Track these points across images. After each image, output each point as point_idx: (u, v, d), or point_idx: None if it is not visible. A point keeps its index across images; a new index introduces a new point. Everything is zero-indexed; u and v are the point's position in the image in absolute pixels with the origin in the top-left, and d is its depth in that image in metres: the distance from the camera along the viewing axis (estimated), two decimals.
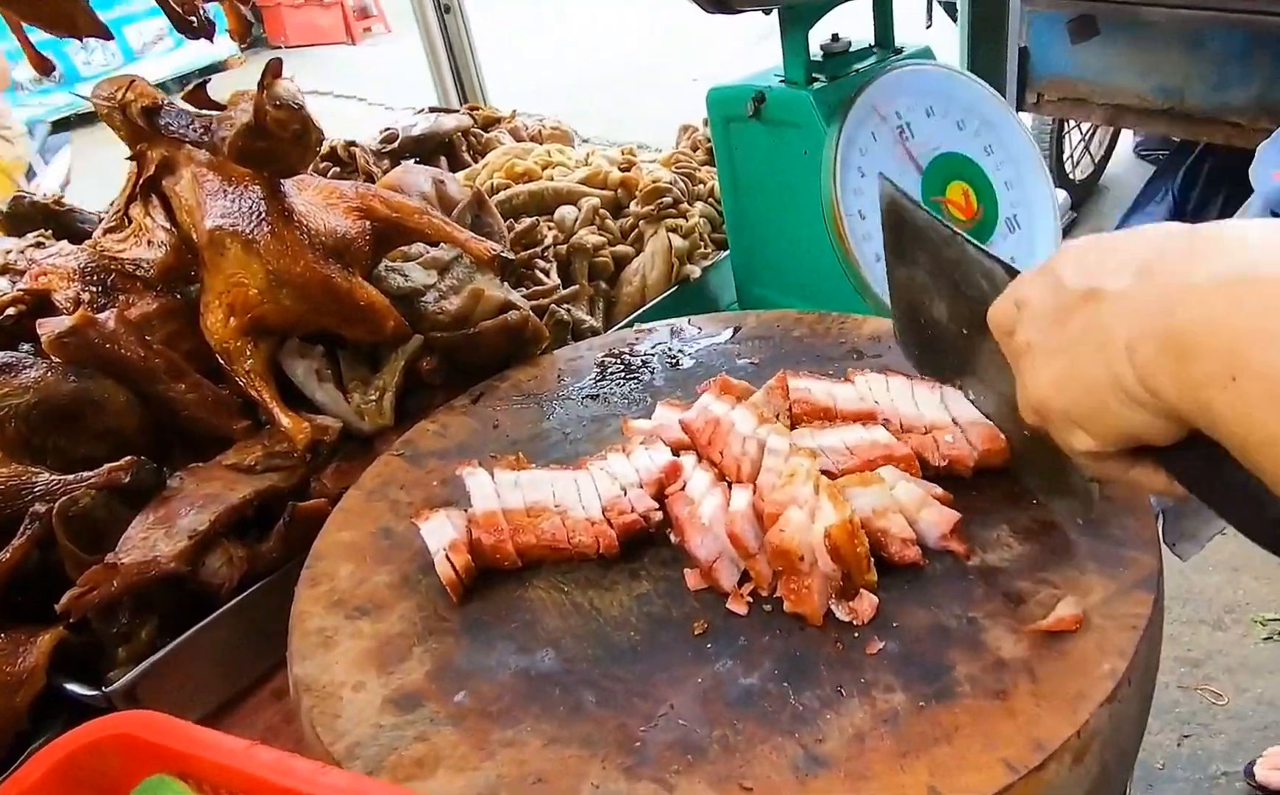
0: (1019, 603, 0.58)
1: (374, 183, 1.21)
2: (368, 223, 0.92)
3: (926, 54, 1.08)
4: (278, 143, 0.79)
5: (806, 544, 0.57)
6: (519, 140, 1.62)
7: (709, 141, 1.51)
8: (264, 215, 0.85)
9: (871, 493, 0.61)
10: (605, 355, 0.93)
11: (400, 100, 1.88)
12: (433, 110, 1.58)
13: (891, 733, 0.52)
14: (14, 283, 0.99)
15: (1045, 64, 2.57)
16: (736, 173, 1.14)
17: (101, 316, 0.86)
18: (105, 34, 0.97)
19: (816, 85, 1.01)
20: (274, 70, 0.75)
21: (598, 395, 0.87)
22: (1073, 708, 0.52)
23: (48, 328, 0.84)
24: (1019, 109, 2.37)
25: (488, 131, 1.60)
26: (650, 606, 0.62)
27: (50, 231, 1.12)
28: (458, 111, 1.60)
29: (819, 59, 1.05)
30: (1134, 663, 0.54)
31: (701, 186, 1.35)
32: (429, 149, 1.48)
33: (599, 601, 0.63)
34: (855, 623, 0.57)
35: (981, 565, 0.61)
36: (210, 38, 1.00)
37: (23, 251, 1.04)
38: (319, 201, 0.90)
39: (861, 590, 0.58)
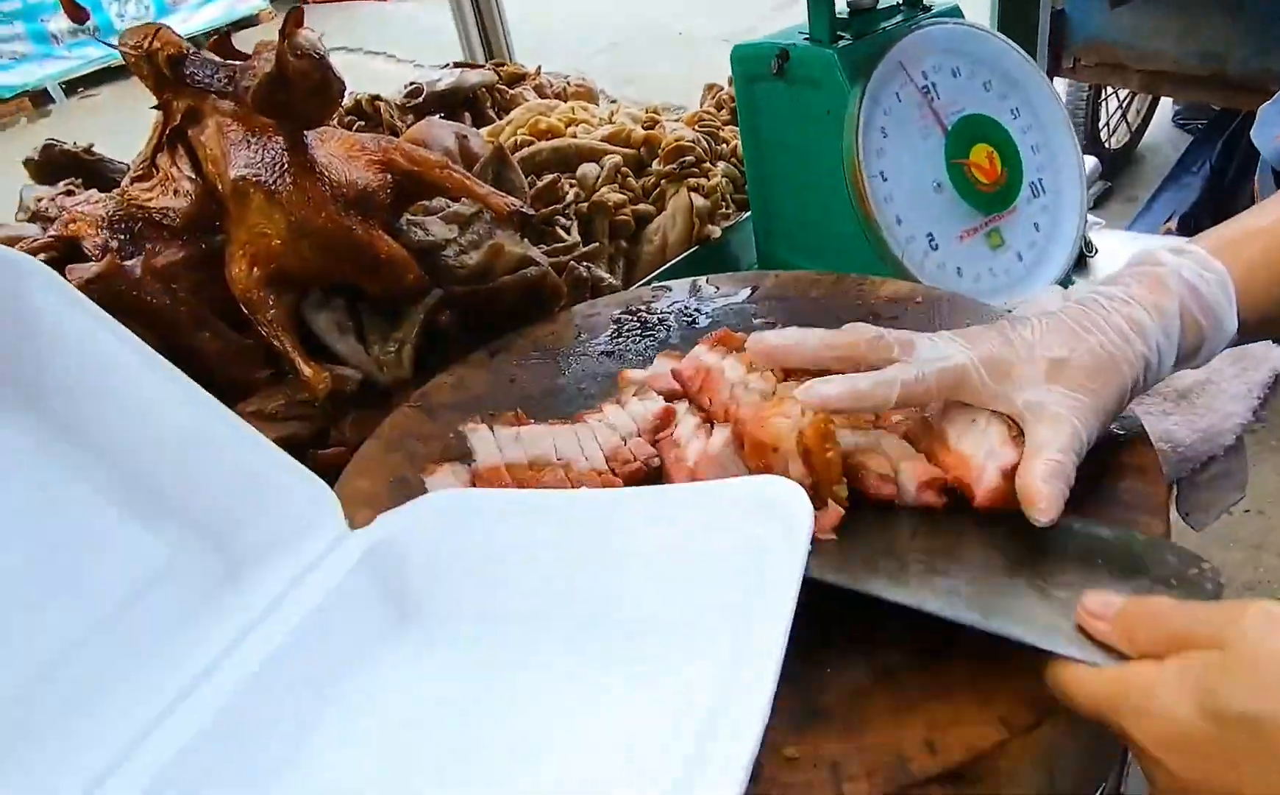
0: None
1: (398, 137, 1.21)
2: (389, 176, 0.92)
3: (955, 12, 1.06)
4: (299, 93, 0.80)
5: (780, 434, 0.57)
6: (543, 97, 1.61)
7: (733, 100, 1.50)
8: (286, 166, 0.86)
9: (857, 434, 0.62)
10: (622, 313, 0.94)
11: (428, 57, 1.88)
12: (458, 66, 1.58)
13: (891, 690, 0.53)
14: (45, 229, 1.01)
15: (1082, 27, 2.51)
16: (759, 132, 1.13)
17: (128, 264, 0.88)
18: None
19: (841, 43, 1.00)
20: (295, 19, 0.76)
21: (613, 352, 0.88)
22: None
23: (76, 274, 0.85)
24: (1054, 74, 2.32)
25: (512, 88, 1.60)
26: None
27: (80, 180, 1.14)
28: (483, 67, 1.60)
29: (845, 16, 1.04)
30: None
31: (724, 146, 1.34)
32: (454, 104, 1.48)
33: None
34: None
35: None
36: None
37: (54, 199, 1.05)
38: (341, 154, 0.91)
39: (829, 502, 0.58)
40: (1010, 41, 1.07)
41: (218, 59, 0.89)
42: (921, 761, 0.49)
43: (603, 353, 0.88)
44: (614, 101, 1.61)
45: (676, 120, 1.44)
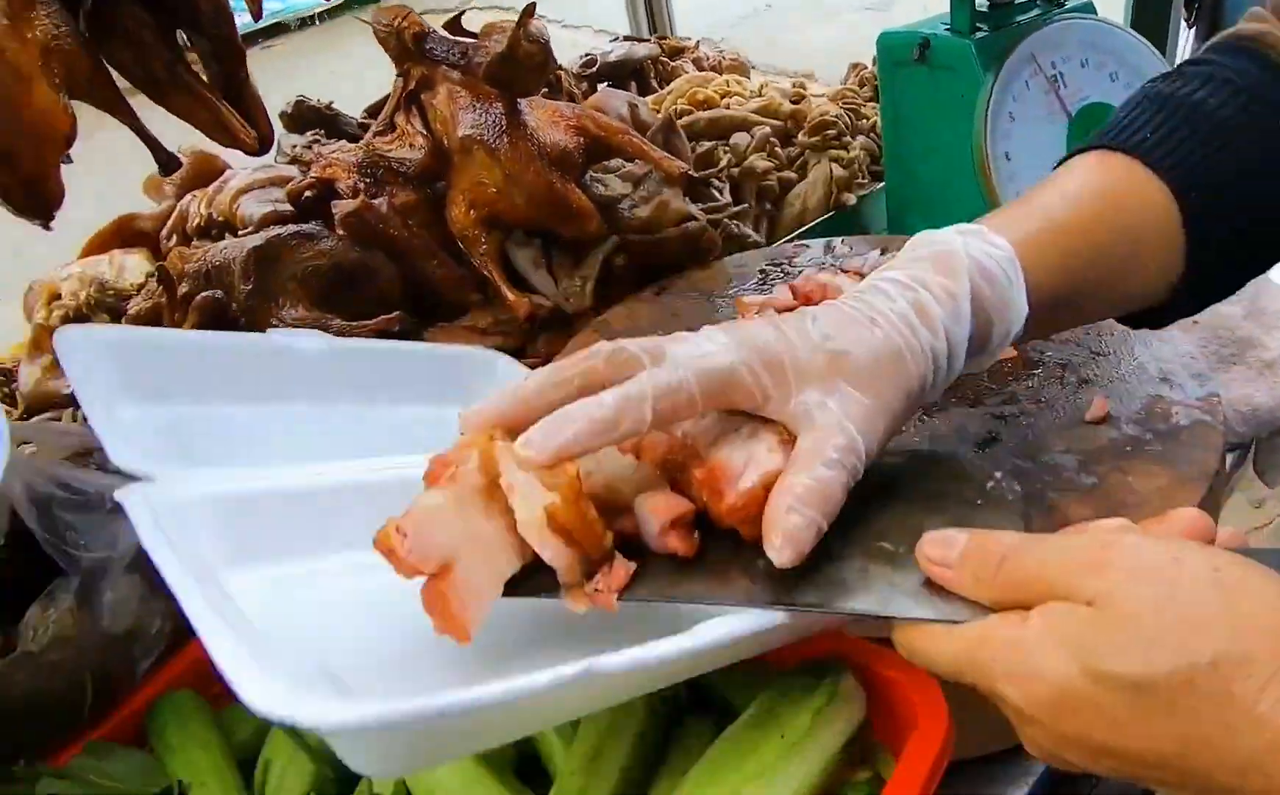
0: (1094, 483, 0.73)
1: (575, 103, 1.40)
2: (582, 139, 1.11)
3: (1089, 8, 1.17)
4: (523, 70, 0.99)
5: (527, 525, 0.47)
6: (701, 70, 1.77)
7: (875, 79, 1.63)
8: (504, 128, 1.06)
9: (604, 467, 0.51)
10: (767, 264, 1.11)
11: (596, 20, 2.06)
12: (627, 39, 1.76)
13: None
14: (303, 171, 1.25)
15: (1237, 8, 2.48)
16: (898, 111, 1.27)
17: (376, 203, 1.10)
18: None
19: (979, 34, 1.13)
20: (530, 10, 0.95)
21: (761, 294, 1.05)
22: None
23: (340, 209, 1.08)
24: None
25: (673, 60, 1.77)
26: None
27: (323, 130, 1.38)
28: (648, 40, 1.77)
29: (984, 9, 1.16)
30: None
31: (864, 121, 1.48)
32: (622, 74, 1.66)
33: None
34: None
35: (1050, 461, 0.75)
36: None
37: (307, 146, 1.30)
38: (545, 119, 1.10)
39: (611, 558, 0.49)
40: (1140, 36, 1.17)
41: (451, 37, 1.10)
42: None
43: (755, 295, 1.05)
44: (764, 77, 1.76)
45: (821, 95, 1.59)
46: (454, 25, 1.14)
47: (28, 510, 0.58)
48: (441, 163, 1.13)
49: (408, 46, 1.13)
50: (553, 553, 0.45)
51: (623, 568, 0.48)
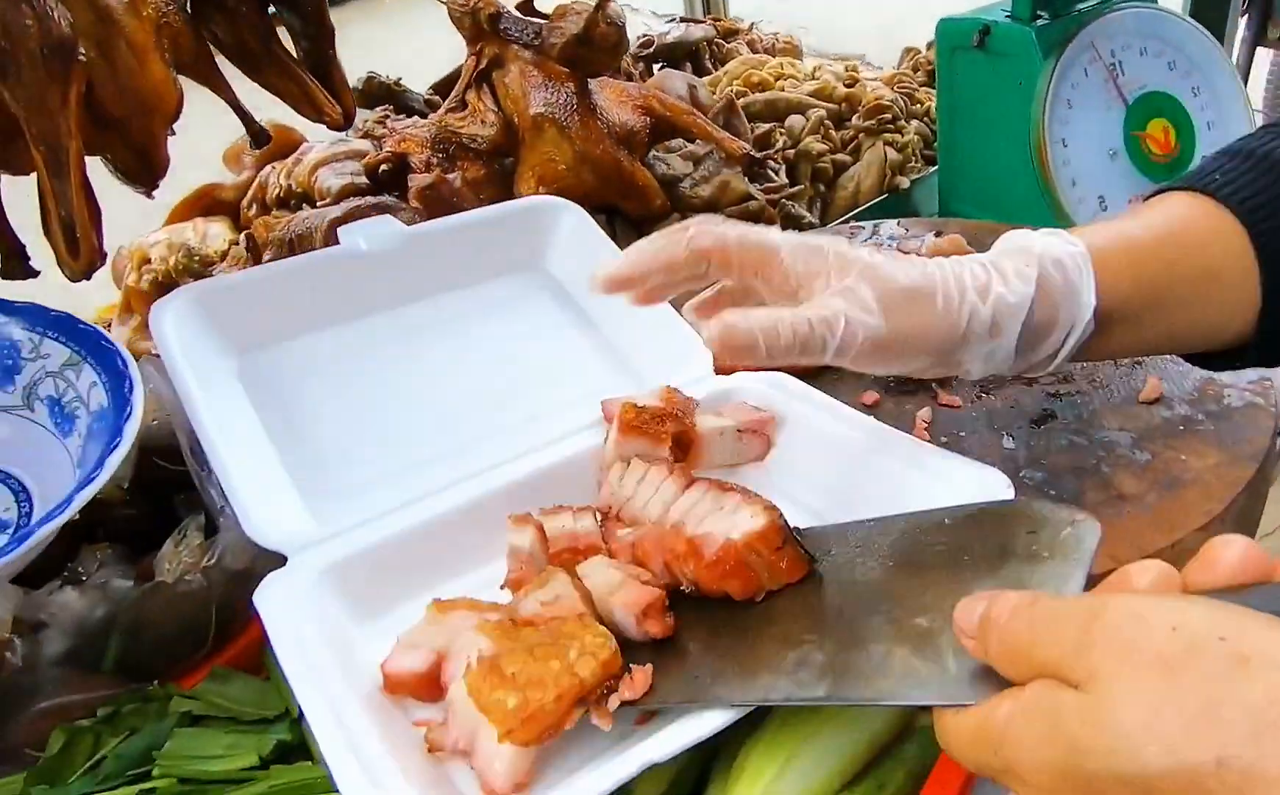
0: (1147, 460, 0.76)
1: (631, 82, 1.44)
2: (648, 118, 1.15)
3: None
4: (598, 51, 1.03)
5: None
6: (754, 52, 1.80)
7: (929, 64, 1.65)
8: (575, 107, 1.10)
9: (536, 597, 0.53)
10: None
11: (652, 2, 2.09)
12: (683, 20, 1.79)
13: None
14: (377, 144, 1.30)
15: None
16: (955, 97, 1.29)
17: (449, 177, 1.15)
18: None
19: (1039, 22, 1.15)
20: None
21: None
22: (1171, 528, 0.70)
23: (415, 182, 1.13)
24: (1258, 44, 2.32)
25: (728, 42, 1.80)
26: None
27: (391, 106, 1.43)
28: (704, 22, 1.80)
29: None
30: (1230, 507, 0.72)
31: (918, 105, 1.50)
32: (678, 56, 1.69)
33: None
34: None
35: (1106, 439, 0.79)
36: None
37: (379, 121, 1.34)
38: (613, 99, 1.14)
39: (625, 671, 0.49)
40: (1198, 25, 1.19)
41: (525, 17, 1.14)
42: None
43: None
44: (818, 60, 1.78)
45: (875, 79, 1.61)
46: (527, 6, 1.18)
47: (185, 445, 0.64)
48: (512, 139, 1.17)
49: (482, 26, 1.17)
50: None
51: (642, 674, 0.48)
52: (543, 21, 1.12)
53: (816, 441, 0.67)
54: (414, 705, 0.53)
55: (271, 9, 1.00)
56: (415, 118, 1.34)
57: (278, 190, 1.25)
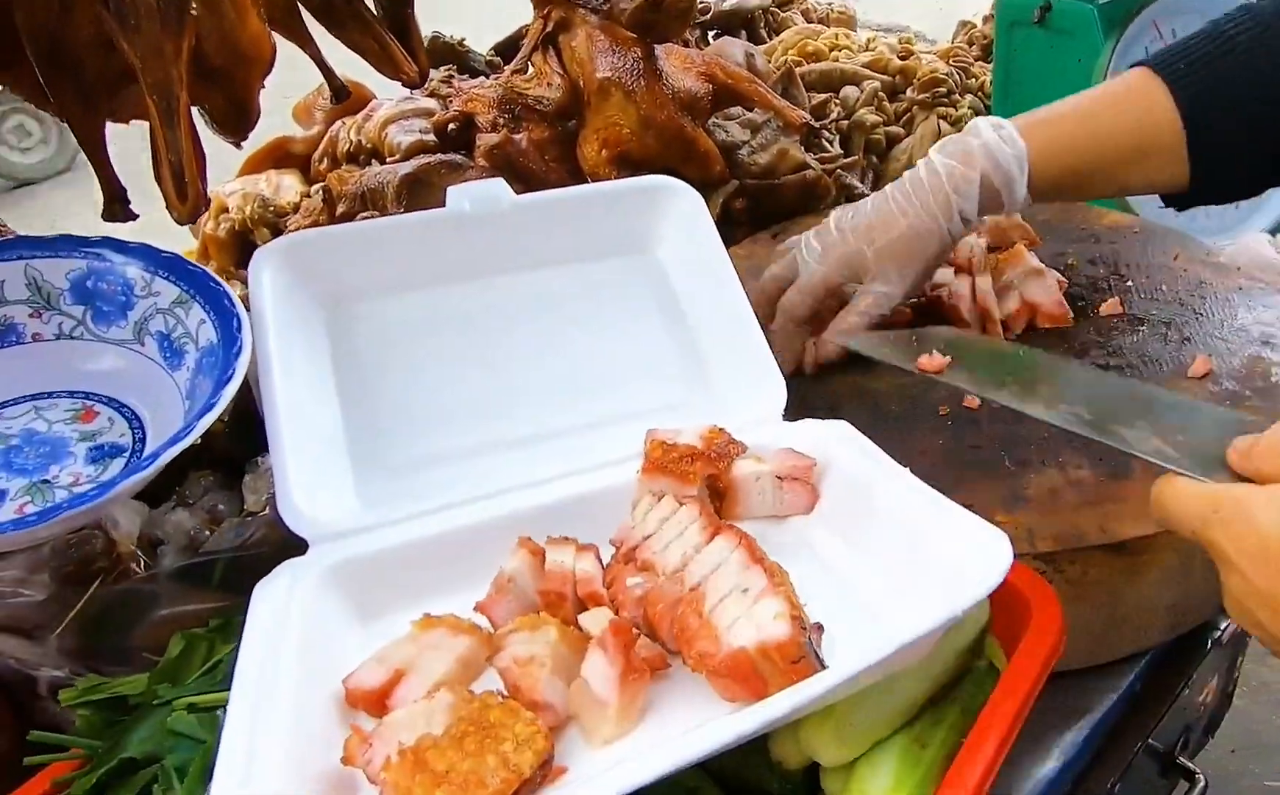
0: None
1: (693, 50, 1.46)
2: (710, 86, 1.18)
3: None
4: (668, 17, 1.06)
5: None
6: (809, 21, 1.81)
7: (984, 39, 1.65)
8: (641, 72, 1.13)
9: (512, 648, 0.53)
10: None
11: None
12: None
13: (1077, 491, 0.75)
14: (444, 103, 1.33)
15: None
16: (1011, 72, 1.31)
17: (516, 137, 1.18)
18: None
19: (1101, 1, 1.16)
20: None
21: None
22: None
23: (483, 141, 1.17)
24: None
25: (784, 11, 1.81)
26: (912, 389, 0.87)
27: (455, 66, 1.46)
28: None
29: None
30: None
31: (973, 80, 1.51)
32: (734, 24, 1.71)
33: (874, 385, 0.88)
34: None
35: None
36: None
37: (445, 80, 1.38)
38: (678, 65, 1.17)
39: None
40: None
41: None
42: (1094, 536, 0.72)
43: None
44: (872, 32, 1.79)
45: (929, 52, 1.62)
46: None
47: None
48: (576, 102, 1.20)
49: None
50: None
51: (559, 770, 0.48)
52: None
53: (867, 501, 0.61)
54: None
55: None
56: (481, 78, 1.37)
57: (348, 145, 1.29)
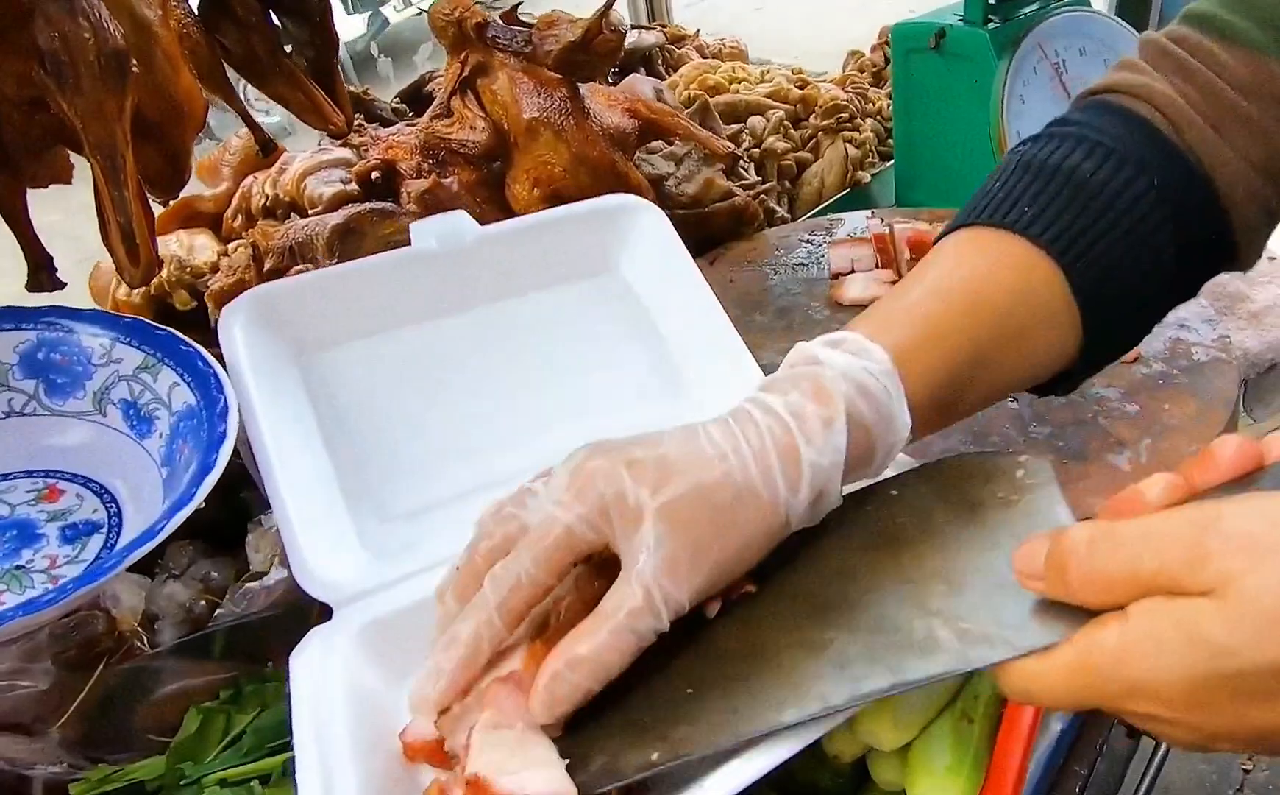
0: (1136, 411, 0.85)
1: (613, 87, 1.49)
2: (635, 121, 1.20)
3: (1083, 1, 1.30)
4: (596, 57, 1.08)
5: None
6: (704, 57, 1.87)
7: (874, 66, 1.75)
8: (570, 111, 1.14)
9: None
10: (809, 234, 1.21)
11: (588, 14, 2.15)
12: (635, 27, 1.84)
13: None
14: (357, 153, 1.31)
15: (1173, 6, 2.67)
16: (910, 95, 1.38)
17: (446, 181, 1.17)
18: None
19: (991, 25, 1.24)
20: (608, 6, 1.04)
21: (806, 263, 1.15)
22: (1166, 468, 0.79)
23: (413, 187, 1.15)
24: None
25: (679, 48, 1.86)
26: None
27: (362, 115, 1.44)
28: (655, 29, 1.86)
29: (993, 2, 1.28)
30: None
31: (870, 105, 1.59)
32: (634, 62, 1.75)
33: None
34: None
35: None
36: None
37: (356, 130, 1.36)
38: (603, 103, 1.19)
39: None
40: (1126, 25, 1.30)
41: (515, 25, 1.18)
42: None
43: (798, 264, 1.16)
44: (765, 63, 1.86)
45: (824, 80, 1.69)
46: (511, 16, 1.22)
47: (245, 453, 0.65)
48: (502, 143, 1.20)
49: (468, 34, 1.20)
50: None
51: None
52: (530, 29, 1.16)
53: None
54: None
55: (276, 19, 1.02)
56: (400, 126, 1.35)
57: (263, 200, 1.25)
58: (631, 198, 0.87)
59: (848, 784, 0.55)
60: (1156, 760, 0.85)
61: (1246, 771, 1.82)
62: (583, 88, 1.17)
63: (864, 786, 0.55)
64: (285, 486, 0.61)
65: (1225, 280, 1.12)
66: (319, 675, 0.53)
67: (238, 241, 1.22)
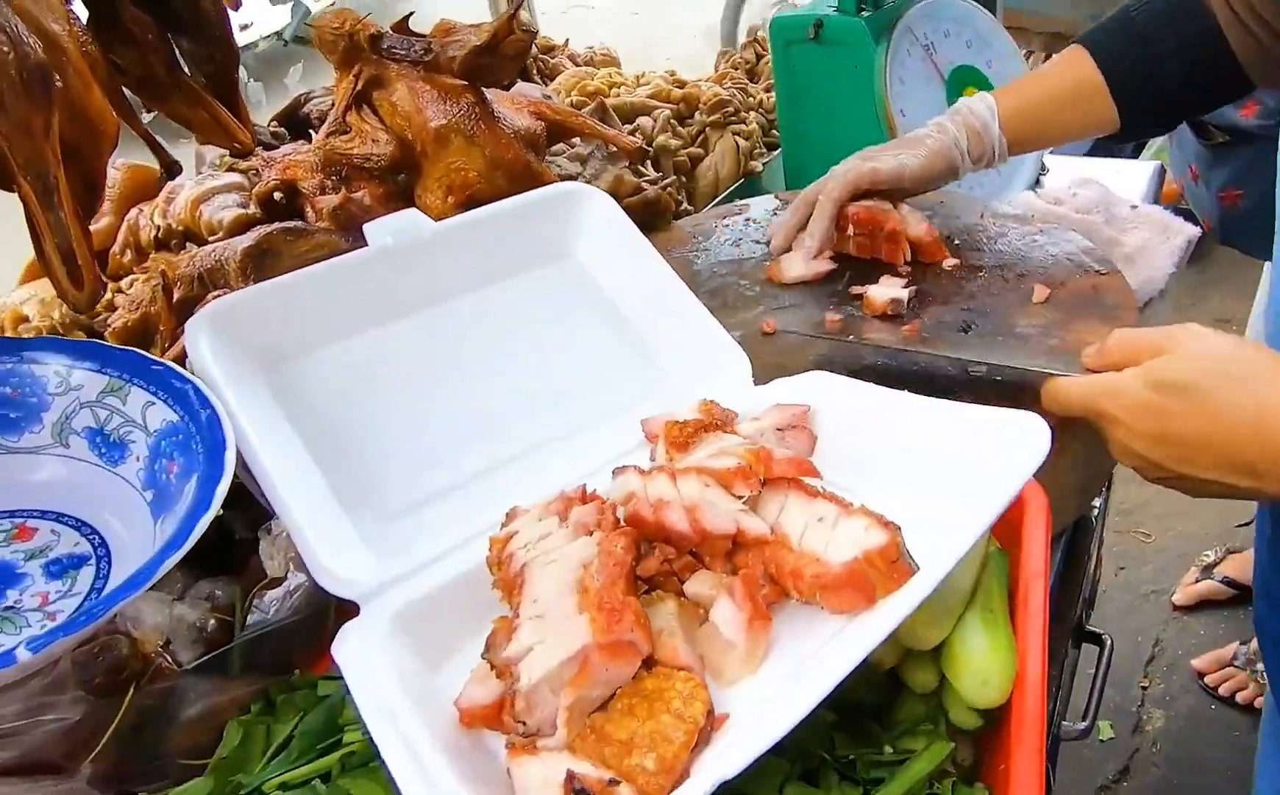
0: (1057, 342, 0.92)
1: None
2: (543, 123, 1.21)
3: None
4: (504, 59, 1.08)
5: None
6: (576, 65, 1.90)
7: (745, 63, 1.82)
8: (478, 116, 1.14)
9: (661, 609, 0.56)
10: (724, 220, 1.25)
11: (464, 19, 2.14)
12: None
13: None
14: (249, 176, 1.26)
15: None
16: (793, 85, 1.45)
17: (356, 196, 1.15)
18: None
19: (865, 14, 1.32)
20: (517, 6, 1.04)
21: (736, 240, 1.19)
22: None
23: (323, 203, 1.12)
24: None
25: (551, 58, 1.88)
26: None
27: None
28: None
29: None
30: None
31: (751, 98, 1.66)
32: None
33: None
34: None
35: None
36: None
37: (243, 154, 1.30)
38: (509, 107, 1.19)
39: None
40: (980, 6, 1.41)
41: (412, 35, 1.17)
42: None
43: (722, 244, 1.20)
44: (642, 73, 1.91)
45: (701, 80, 1.75)
46: (402, 26, 1.20)
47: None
48: (408, 155, 1.19)
49: (360, 47, 1.18)
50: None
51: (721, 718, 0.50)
52: (426, 38, 1.15)
53: (862, 425, 0.68)
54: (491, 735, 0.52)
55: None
56: (297, 143, 1.31)
57: (153, 231, 1.18)
58: (580, 185, 0.88)
59: (885, 696, 0.58)
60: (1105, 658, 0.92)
61: (1145, 688, 1.99)
62: (489, 93, 1.17)
63: (899, 696, 0.58)
64: (287, 493, 0.59)
65: (1099, 228, 1.24)
66: (365, 662, 0.52)
67: (131, 276, 1.16)
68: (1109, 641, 0.93)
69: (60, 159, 0.69)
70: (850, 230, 1.08)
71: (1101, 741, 1.89)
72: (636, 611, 0.50)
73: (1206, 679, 1.96)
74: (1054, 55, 1.07)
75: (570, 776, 0.43)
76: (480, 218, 0.84)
